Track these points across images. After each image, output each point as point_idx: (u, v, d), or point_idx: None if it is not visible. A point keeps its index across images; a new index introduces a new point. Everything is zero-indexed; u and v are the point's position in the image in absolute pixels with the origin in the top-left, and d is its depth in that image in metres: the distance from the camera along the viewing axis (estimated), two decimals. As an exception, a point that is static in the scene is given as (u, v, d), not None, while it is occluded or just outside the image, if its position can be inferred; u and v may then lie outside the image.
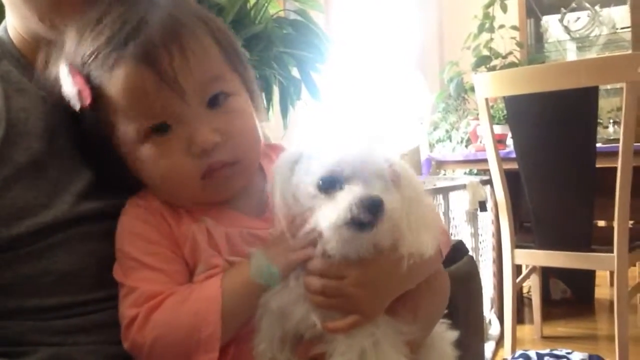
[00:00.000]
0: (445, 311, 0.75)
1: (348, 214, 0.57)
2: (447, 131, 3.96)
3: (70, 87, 0.63)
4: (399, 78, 3.86)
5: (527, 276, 2.58)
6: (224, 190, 0.67)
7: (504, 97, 2.23)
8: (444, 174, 3.57)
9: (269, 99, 1.65)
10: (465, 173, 3.43)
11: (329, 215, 0.59)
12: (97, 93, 0.62)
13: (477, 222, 2.53)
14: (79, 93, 0.62)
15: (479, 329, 1.02)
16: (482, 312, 1.04)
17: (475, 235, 2.50)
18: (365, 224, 0.58)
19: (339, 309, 0.60)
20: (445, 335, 0.72)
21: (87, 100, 0.63)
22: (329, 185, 0.60)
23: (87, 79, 0.62)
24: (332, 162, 0.60)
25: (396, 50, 3.93)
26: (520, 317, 2.90)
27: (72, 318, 0.66)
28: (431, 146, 4.00)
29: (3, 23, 0.74)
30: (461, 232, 2.39)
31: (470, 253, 2.45)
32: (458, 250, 0.97)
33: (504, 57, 3.37)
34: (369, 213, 0.57)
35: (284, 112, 1.78)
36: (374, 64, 3.59)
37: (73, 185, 0.69)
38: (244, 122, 0.68)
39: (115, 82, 0.61)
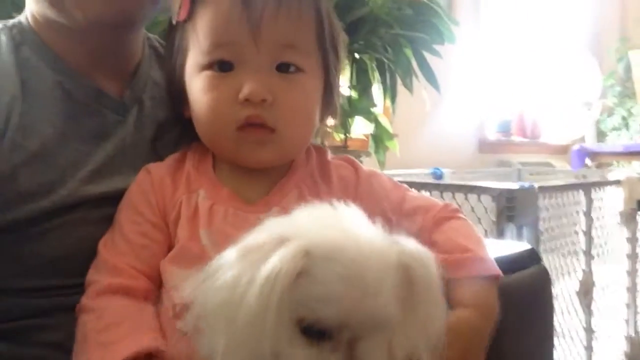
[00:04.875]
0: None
1: None
2: (623, 118, 3.47)
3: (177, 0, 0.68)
4: (565, 58, 3.45)
5: None
6: (251, 154, 0.66)
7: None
8: (616, 166, 3.13)
9: (368, 84, 1.59)
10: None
11: None
12: (192, 12, 0.67)
13: (634, 225, 2.16)
14: (180, 6, 0.67)
15: (545, 341, 0.86)
16: (550, 325, 0.89)
17: (632, 240, 2.13)
18: None
19: None
20: None
21: (183, 16, 0.67)
22: (318, 333, 0.47)
23: None
24: (337, 314, 0.47)
25: (565, 27, 3.52)
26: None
27: (60, 297, 0.66)
28: (603, 135, 3.53)
29: (27, 10, 0.76)
30: (612, 235, 2.06)
31: (626, 260, 2.11)
32: (526, 258, 0.82)
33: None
34: None
35: (392, 97, 1.70)
36: (533, 42, 3.25)
37: (80, 171, 0.69)
38: (301, 101, 0.67)
39: (208, 6, 0.65)
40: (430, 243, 0.67)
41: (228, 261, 0.48)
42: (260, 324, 0.45)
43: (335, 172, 0.70)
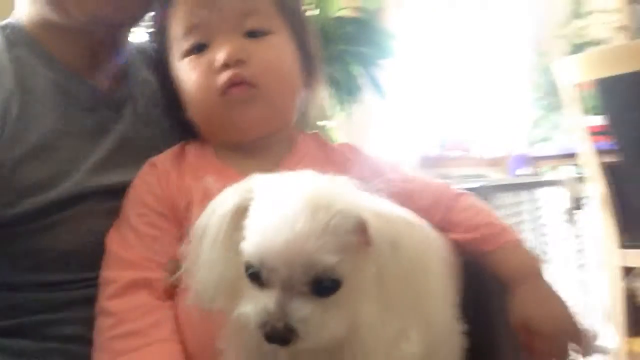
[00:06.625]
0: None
1: (261, 329, 0.45)
2: (550, 129, 3.67)
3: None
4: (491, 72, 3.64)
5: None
6: (240, 115, 0.67)
7: (597, 81, 1.99)
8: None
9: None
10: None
11: (250, 312, 0.46)
12: (167, 15, 0.71)
13: (575, 222, 2.29)
14: (157, 12, 0.72)
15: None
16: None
17: (574, 236, 2.26)
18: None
19: None
20: None
21: (163, 21, 0.71)
22: (254, 275, 0.47)
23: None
24: (253, 253, 0.46)
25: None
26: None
27: (73, 291, 0.67)
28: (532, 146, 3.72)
29: (19, 11, 0.77)
30: (553, 233, 2.17)
31: (569, 256, 2.21)
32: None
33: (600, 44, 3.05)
34: (273, 342, 0.46)
35: (344, 109, 1.76)
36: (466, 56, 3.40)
37: (83, 164, 0.69)
38: (275, 57, 0.69)
39: (178, 2, 0.70)
40: (450, 222, 0.71)
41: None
42: (211, 245, 0.48)
43: (338, 152, 0.73)
